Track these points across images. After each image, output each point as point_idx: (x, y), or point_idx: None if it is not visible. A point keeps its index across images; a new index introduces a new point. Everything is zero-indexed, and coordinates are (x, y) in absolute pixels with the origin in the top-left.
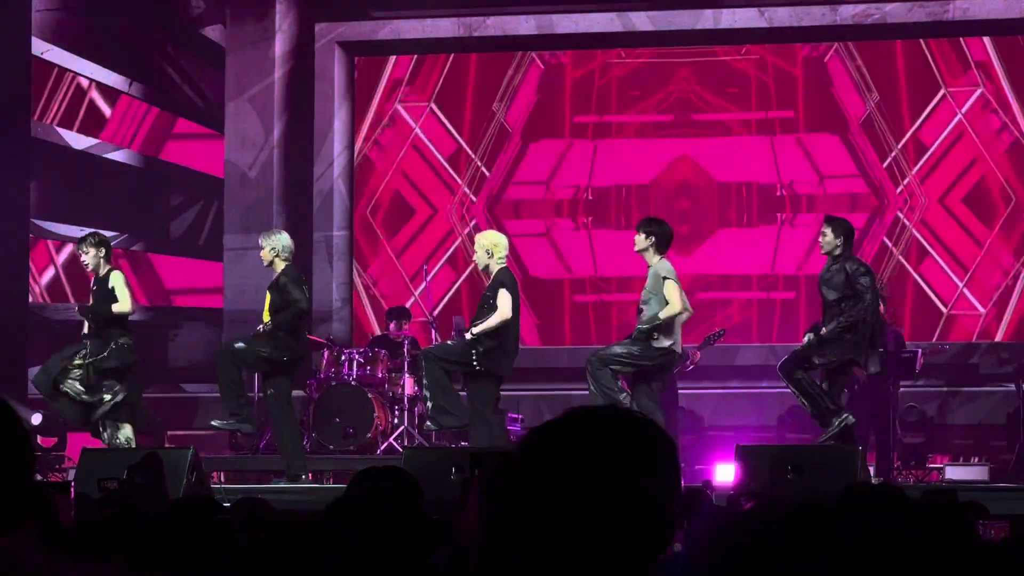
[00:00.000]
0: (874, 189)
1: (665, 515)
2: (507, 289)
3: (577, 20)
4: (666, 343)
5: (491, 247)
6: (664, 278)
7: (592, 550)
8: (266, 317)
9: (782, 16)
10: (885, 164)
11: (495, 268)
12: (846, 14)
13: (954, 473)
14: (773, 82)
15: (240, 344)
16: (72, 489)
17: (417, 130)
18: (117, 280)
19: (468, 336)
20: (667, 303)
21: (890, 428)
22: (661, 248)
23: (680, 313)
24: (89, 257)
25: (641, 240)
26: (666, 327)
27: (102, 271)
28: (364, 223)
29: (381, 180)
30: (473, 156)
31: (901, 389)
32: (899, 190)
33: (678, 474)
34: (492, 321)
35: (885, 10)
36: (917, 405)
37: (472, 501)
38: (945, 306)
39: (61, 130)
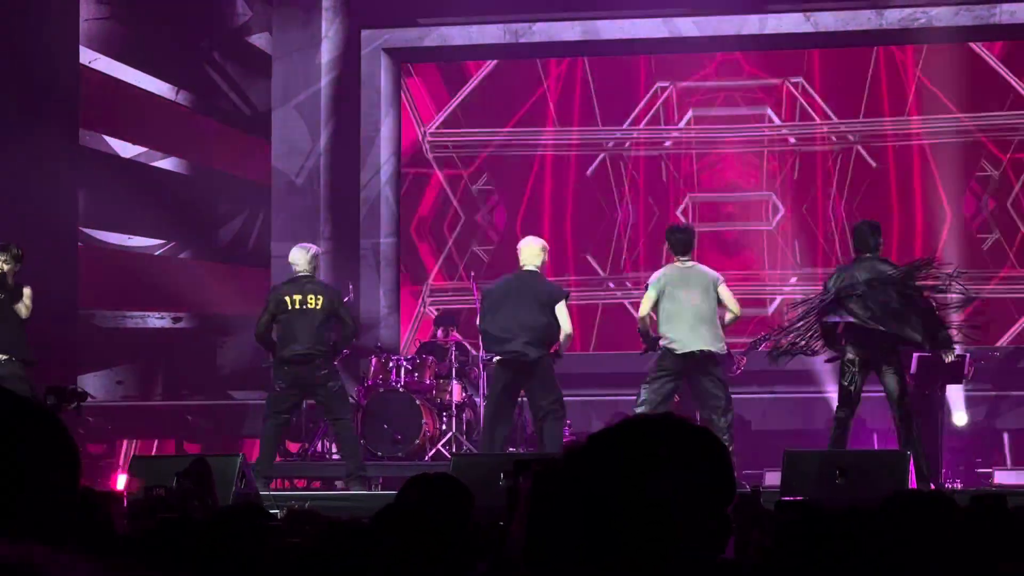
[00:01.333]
0: None
1: (720, 521)
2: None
3: (623, 26)
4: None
5: (545, 248)
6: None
7: (646, 558)
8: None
9: (827, 21)
10: None
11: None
12: (892, 18)
13: (1003, 478)
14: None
15: None
16: (125, 497)
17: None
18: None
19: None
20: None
21: (939, 433)
22: (674, 252)
23: (641, 318)
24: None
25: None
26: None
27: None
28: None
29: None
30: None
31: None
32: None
33: (733, 481)
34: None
35: (931, 14)
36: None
37: (519, 510)
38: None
39: (109, 138)
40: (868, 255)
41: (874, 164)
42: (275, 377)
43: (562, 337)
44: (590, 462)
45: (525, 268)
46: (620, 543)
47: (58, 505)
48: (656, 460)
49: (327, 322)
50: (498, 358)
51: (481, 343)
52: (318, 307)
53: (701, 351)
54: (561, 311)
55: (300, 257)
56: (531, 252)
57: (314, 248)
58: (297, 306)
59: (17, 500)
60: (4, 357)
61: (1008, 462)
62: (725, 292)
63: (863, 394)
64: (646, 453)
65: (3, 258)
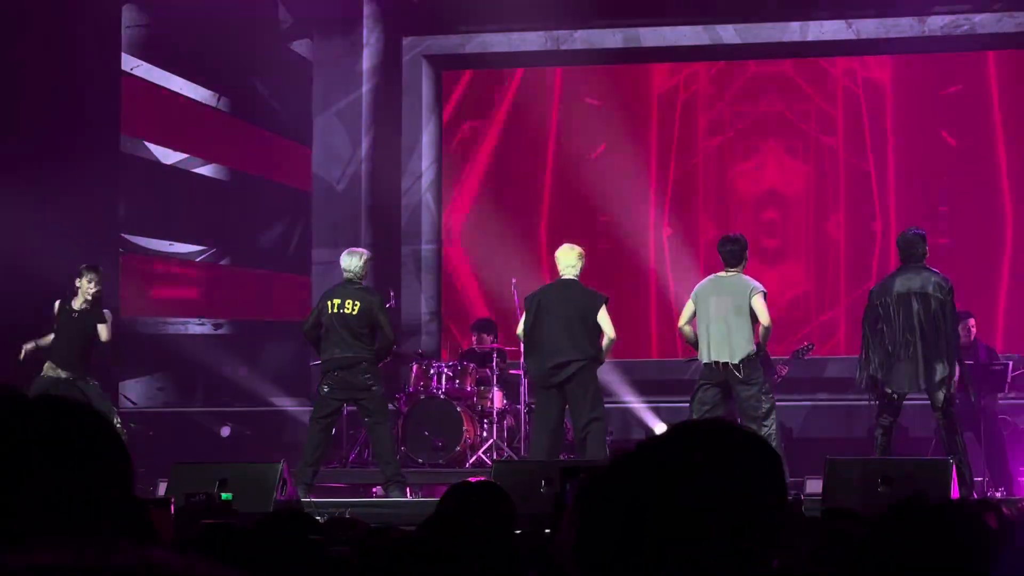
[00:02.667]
0: None
1: (774, 527)
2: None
3: (665, 33)
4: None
5: (582, 255)
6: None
7: (699, 565)
8: None
9: (869, 28)
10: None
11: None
12: (935, 25)
13: None
14: None
15: None
16: (172, 505)
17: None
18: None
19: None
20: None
21: (985, 443)
22: (725, 263)
23: (680, 328)
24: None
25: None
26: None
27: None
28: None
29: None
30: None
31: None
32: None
33: (785, 485)
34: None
35: (974, 20)
36: (1009, 418)
37: (567, 517)
38: None
39: (150, 145)
40: (913, 264)
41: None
42: (320, 381)
43: (605, 342)
44: (635, 468)
45: (564, 277)
46: (667, 550)
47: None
48: (699, 465)
49: (366, 327)
50: (545, 368)
51: (522, 351)
52: (355, 312)
53: (723, 362)
54: (603, 317)
55: (347, 262)
56: (568, 260)
57: (362, 253)
58: (336, 310)
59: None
60: (65, 375)
61: None
62: (758, 303)
63: (906, 402)
64: (690, 458)
65: (89, 277)
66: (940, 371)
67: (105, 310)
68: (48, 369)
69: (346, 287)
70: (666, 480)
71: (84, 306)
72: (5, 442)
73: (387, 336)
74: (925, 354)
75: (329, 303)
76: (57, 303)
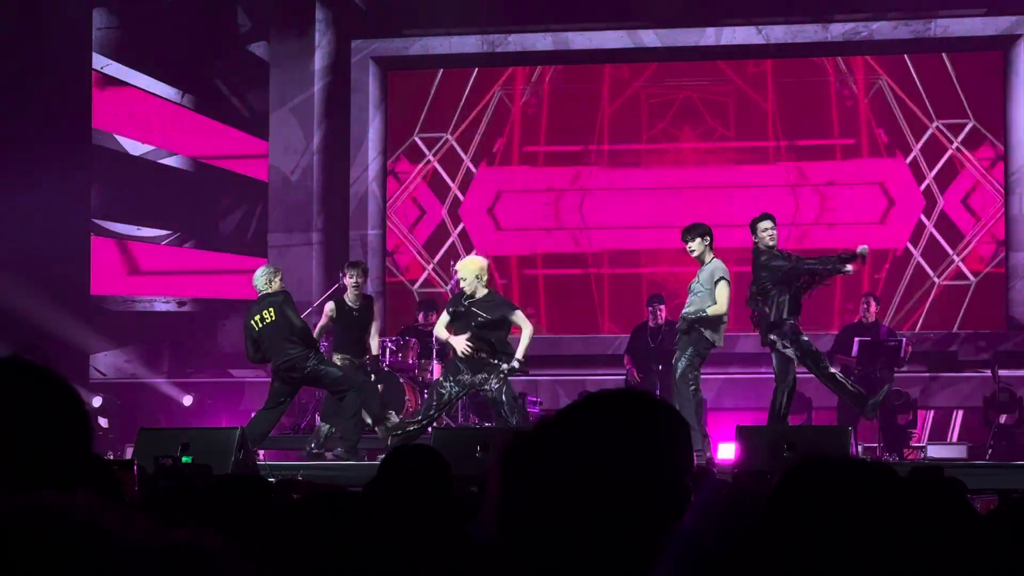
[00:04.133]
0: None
1: (680, 490)
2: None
3: (591, 37)
4: (714, 338)
5: (479, 272)
6: (721, 279)
7: (611, 524)
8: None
9: (778, 34)
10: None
11: (484, 291)
12: (836, 32)
13: (935, 452)
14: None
15: None
16: (135, 466)
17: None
18: None
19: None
20: (715, 302)
21: (880, 412)
22: (713, 248)
23: (725, 314)
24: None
25: (696, 245)
26: (712, 323)
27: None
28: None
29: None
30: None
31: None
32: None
33: (691, 452)
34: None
35: (872, 28)
36: (903, 389)
37: (490, 475)
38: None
39: (120, 138)
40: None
41: None
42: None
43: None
44: (553, 435)
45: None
46: (582, 513)
47: (76, 466)
48: (614, 432)
49: (288, 325)
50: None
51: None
52: (274, 317)
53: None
54: (519, 318)
55: (254, 281)
56: (468, 271)
57: (264, 268)
58: (261, 324)
59: (39, 458)
60: (341, 356)
61: (936, 438)
62: (719, 288)
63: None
64: (604, 425)
65: (354, 273)
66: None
67: (375, 300)
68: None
69: (260, 301)
70: (578, 447)
71: (358, 302)
72: None
73: (295, 325)
74: None
75: (252, 322)
76: (331, 303)
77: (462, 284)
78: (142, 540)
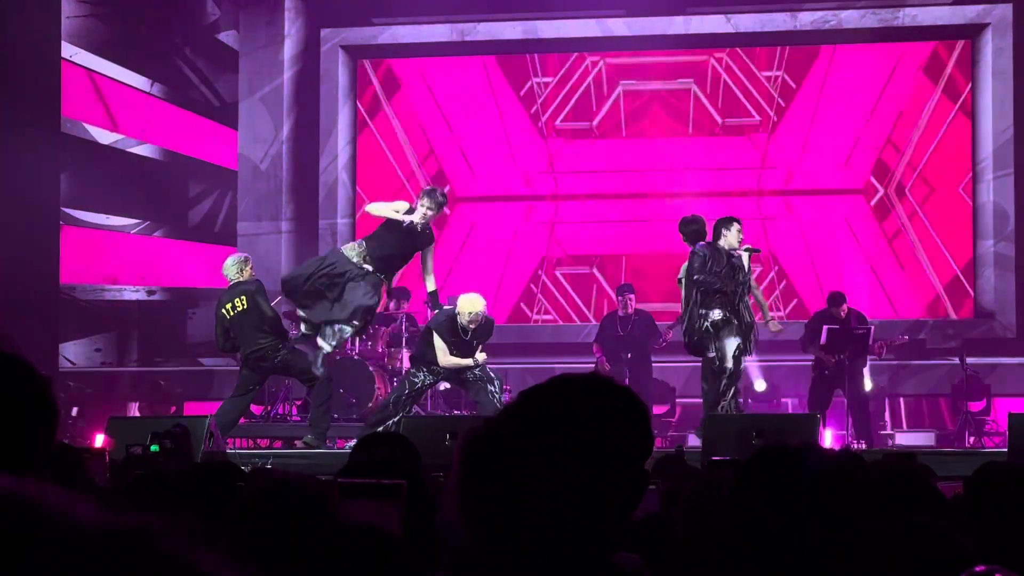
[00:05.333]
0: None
1: (638, 474)
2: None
3: (559, 26)
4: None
5: (483, 310)
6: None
7: (571, 508)
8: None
9: (747, 23)
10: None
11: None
12: (805, 20)
13: (904, 439)
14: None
15: None
16: (107, 454)
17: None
18: None
19: None
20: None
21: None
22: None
23: None
24: None
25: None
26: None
27: None
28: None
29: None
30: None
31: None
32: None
33: (651, 437)
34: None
35: (840, 16)
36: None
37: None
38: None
39: (89, 126)
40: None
41: None
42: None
43: None
44: (516, 419)
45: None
46: (543, 496)
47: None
48: (575, 416)
49: (258, 314)
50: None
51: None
52: (246, 306)
53: None
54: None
55: (224, 270)
56: (476, 309)
57: (235, 257)
58: (233, 312)
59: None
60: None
61: (905, 425)
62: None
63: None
64: (567, 409)
65: (426, 203)
66: None
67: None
68: None
69: (231, 289)
70: (540, 430)
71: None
72: None
73: (267, 315)
74: None
75: (223, 310)
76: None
77: (467, 320)
78: (83, 524)
